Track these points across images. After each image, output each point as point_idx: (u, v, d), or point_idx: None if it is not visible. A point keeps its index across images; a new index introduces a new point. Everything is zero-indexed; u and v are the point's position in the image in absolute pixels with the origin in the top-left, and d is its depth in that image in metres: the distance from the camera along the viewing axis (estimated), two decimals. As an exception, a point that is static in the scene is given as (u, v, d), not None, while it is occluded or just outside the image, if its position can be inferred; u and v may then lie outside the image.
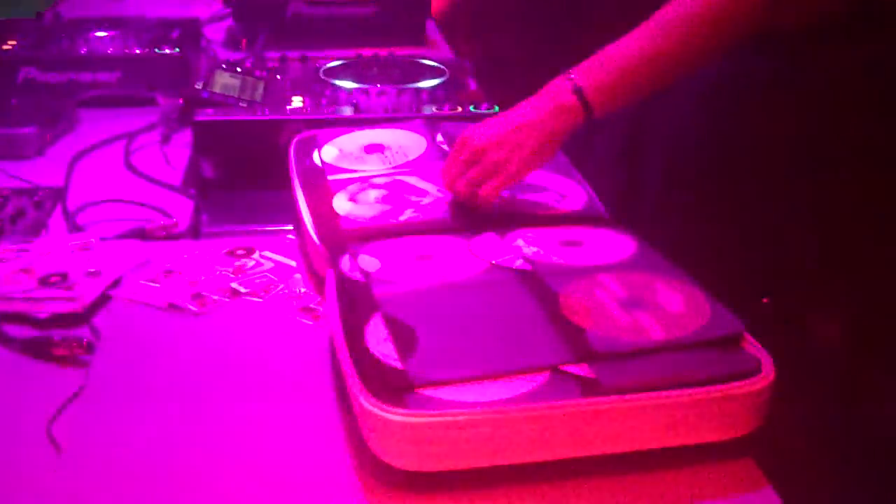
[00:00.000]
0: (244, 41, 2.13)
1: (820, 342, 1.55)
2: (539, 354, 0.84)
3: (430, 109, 1.43)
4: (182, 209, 1.35)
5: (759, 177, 1.34)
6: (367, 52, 1.86)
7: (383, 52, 1.89)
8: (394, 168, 1.21)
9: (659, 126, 1.62)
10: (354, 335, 0.87)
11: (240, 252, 1.18)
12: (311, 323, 1.04)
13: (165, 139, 1.60)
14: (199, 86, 1.48)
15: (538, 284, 0.96)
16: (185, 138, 1.57)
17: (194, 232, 1.28)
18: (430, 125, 1.31)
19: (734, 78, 1.48)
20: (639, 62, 1.10)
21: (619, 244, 1.06)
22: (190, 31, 1.96)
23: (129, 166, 1.49)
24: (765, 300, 1.29)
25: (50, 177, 1.45)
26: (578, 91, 1.09)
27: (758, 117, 1.32)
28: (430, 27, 2.28)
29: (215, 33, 2.22)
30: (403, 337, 0.85)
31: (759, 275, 1.29)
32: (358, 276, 0.98)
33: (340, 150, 1.25)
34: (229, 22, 2.26)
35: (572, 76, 1.10)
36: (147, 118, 1.66)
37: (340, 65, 1.60)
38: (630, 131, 1.67)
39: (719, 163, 1.43)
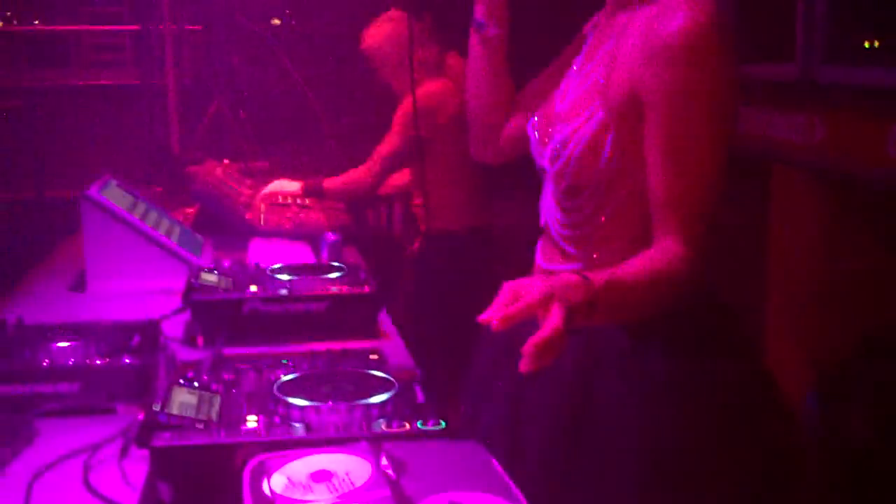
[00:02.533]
0: (201, 339, 2.21)
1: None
2: None
3: (379, 425, 1.49)
4: (138, 534, 1.38)
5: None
6: (321, 346, 1.95)
7: (337, 346, 1.98)
8: (340, 497, 1.26)
9: (535, 403, 1.78)
10: None
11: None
12: None
13: (124, 452, 1.64)
14: (156, 407, 1.53)
15: None
16: (143, 451, 1.61)
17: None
18: (375, 447, 1.36)
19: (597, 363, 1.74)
20: (633, 301, 1.57)
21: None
22: (149, 336, 2.03)
23: (88, 485, 1.53)
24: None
25: (8, 499, 1.48)
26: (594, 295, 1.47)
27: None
28: (383, 319, 2.38)
29: (174, 328, 2.30)
30: None
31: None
32: None
33: (289, 479, 1.30)
34: (187, 316, 2.34)
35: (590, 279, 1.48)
36: (107, 428, 1.70)
37: (293, 379, 1.67)
38: (509, 411, 1.83)
39: (592, 441, 1.73)
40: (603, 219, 1.75)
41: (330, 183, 3.87)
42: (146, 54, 5.56)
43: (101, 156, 4.78)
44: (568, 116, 1.80)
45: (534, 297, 1.42)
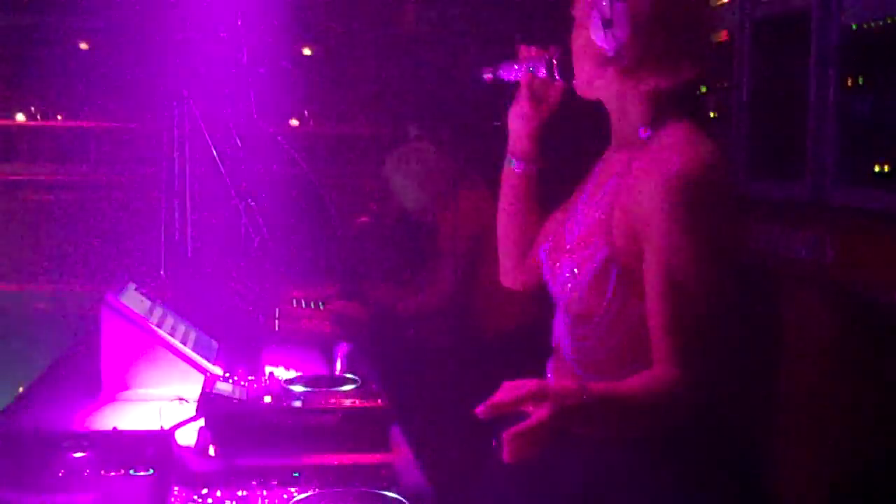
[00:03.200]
0: (215, 449, 2.22)
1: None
2: None
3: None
4: None
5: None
6: (333, 459, 1.96)
7: (348, 459, 1.99)
8: None
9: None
10: None
11: None
12: None
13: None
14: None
15: None
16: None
17: None
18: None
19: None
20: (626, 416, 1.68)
21: None
22: (162, 447, 2.05)
23: None
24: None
25: None
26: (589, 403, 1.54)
27: None
28: (394, 432, 2.39)
29: (187, 435, 2.31)
30: None
31: None
32: None
33: None
34: (201, 423, 2.35)
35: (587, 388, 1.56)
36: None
37: (306, 498, 1.69)
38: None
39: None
40: (610, 347, 1.80)
41: (405, 310, 3.97)
42: (166, 153, 5.65)
43: (120, 252, 4.83)
44: (575, 250, 1.88)
45: (526, 390, 1.47)
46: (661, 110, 1.83)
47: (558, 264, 1.91)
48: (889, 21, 2.82)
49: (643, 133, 1.83)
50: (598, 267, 1.80)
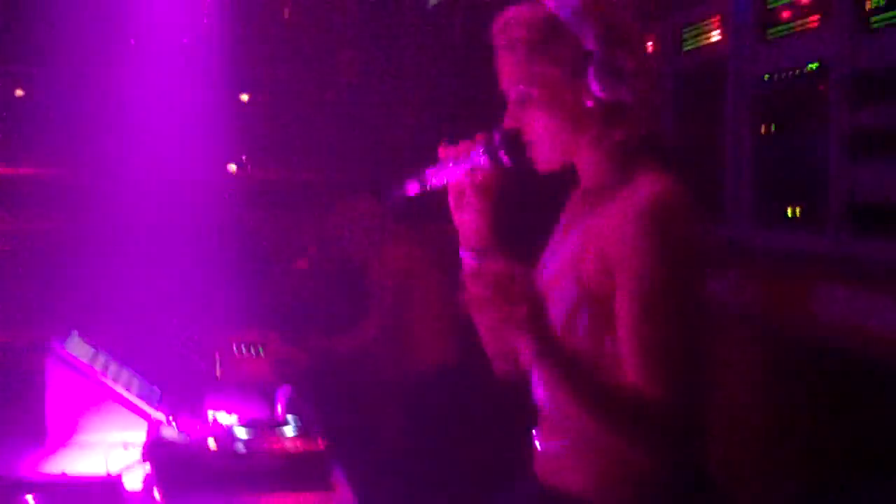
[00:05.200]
0: (160, 492, 2.28)
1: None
2: None
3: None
4: None
5: None
6: (276, 500, 2.03)
7: (290, 501, 2.06)
8: None
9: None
10: None
11: None
12: None
13: None
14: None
15: None
16: None
17: None
18: None
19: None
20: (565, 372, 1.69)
21: None
22: (109, 492, 2.11)
23: None
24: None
25: None
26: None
27: None
28: (336, 473, 2.46)
29: (132, 479, 2.37)
30: None
31: None
32: None
33: None
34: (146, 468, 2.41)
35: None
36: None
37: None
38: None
39: None
40: None
41: (343, 345, 4.14)
42: (104, 201, 5.67)
43: (60, 299, 4.84)
44: (546, 291, 1.90)
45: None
46: (632, 159, 1.87)
47: None
48: (799, 72, 2.98)
49: (616, 182, 1.87)
50: (568, 307, 1.81)
